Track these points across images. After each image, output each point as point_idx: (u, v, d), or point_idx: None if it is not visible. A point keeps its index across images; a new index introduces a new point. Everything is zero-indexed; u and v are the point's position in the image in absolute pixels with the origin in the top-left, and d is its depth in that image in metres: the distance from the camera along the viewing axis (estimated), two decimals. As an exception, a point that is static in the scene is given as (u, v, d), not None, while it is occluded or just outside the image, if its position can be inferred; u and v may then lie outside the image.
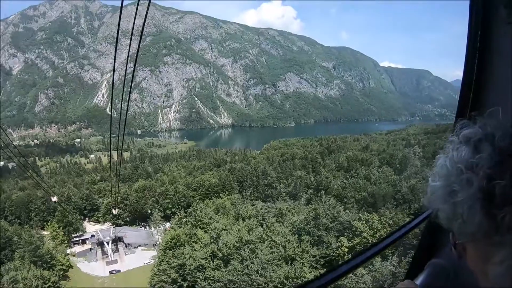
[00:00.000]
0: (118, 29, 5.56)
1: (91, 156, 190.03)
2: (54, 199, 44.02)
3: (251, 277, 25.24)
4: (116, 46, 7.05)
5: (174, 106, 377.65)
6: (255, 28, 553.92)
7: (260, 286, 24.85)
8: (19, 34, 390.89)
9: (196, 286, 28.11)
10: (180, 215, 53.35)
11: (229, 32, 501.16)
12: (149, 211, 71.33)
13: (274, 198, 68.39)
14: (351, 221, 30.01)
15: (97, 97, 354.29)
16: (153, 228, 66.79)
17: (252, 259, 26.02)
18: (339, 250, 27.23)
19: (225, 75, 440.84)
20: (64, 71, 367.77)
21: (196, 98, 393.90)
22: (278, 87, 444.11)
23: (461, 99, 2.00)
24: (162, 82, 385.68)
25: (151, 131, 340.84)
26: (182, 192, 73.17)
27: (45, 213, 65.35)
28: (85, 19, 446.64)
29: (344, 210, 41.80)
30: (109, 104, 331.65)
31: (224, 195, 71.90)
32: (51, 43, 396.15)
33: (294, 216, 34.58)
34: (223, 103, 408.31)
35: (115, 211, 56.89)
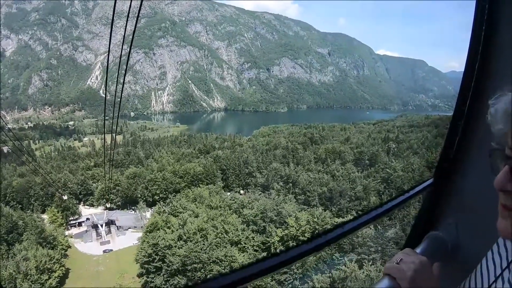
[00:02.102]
0: (114, 11, 5.55)
1: (85, 139, 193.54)
2: (65, 197, 50.63)
3: (199, 253, 34.65)
4: (112, 28, 6.54)
5: (167, 88, 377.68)
6: (250, 12, 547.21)
7: (203, 260, 34.01)
8: (12, 15, 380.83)
9: (165, 259, 37.58)
10: (160, 204, 61.05)
11: (224, 15, 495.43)
12: (139, 196, 78.06)
13: (252, 186, 75.41)
14: (288, 216, 37.55)
15: (91, 79, 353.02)
16: (139, 214, 73.59)
17: (203, 242, 34.46)
18: (274, 239, 35.13)
19: (220, 58, 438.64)
20: (58, 53, 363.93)
21: (189, 81, 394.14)
22: (272, 71, 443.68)
23: (464, 76, 1.95)
24: (156, 64, 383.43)
25: (144, 113, 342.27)
26: (169, 179, 78.28)
27: (44, 198, 71.44)
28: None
29: (305, 204, 49.47)
30: (103, 86, 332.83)
31: (207, 182, 78.35)
32: (44, 24, 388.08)
33: (250, 209, 42.04)
34: (216, 86, 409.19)
35: (108, 205, 64.12)
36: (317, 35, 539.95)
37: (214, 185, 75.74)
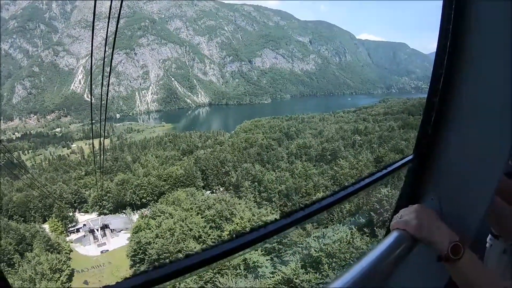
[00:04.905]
0: (94, 13, 5.59)
1: (73, 145, 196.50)
2: (70, 214, 59.65)
3: (167, 246, 46.03)
4: (93, 30, 6.39)
5: (151, 87, 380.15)
6: (230, 4, 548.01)
7: (170, 251, 45.18)
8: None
9: (146, 252, 49.55)
10: (142, 210, 73.20)
11: (204, 10, 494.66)
12: (128, 200, 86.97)
13: (227, 186, 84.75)
14: (235, 215, 48.41)
15: (74, 83, 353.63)
16: (128, 217, 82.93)
17: (171, 238, 46.54)
18: (225, 233, 46.28)
19: (201, 53, 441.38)
20: (39, 60, 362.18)
21: (172, 79, 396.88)
22: (255, 63, 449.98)
23: (435, 68, 2.02)
24: (138, 64, 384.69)
25: (130, 114, 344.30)
26: (154, 183, 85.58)
27: (43, 210, 78.61)
28: (57, 3, 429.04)
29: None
30: (87, 90, 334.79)
31: (188, 184, 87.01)
32: (23, 31, 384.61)
33: (213, 209, 53.04)
34: (199, 82, 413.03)
35: (102, 215, 74.65)
36: (297, 24, 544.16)
37: (195, 186, 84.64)
